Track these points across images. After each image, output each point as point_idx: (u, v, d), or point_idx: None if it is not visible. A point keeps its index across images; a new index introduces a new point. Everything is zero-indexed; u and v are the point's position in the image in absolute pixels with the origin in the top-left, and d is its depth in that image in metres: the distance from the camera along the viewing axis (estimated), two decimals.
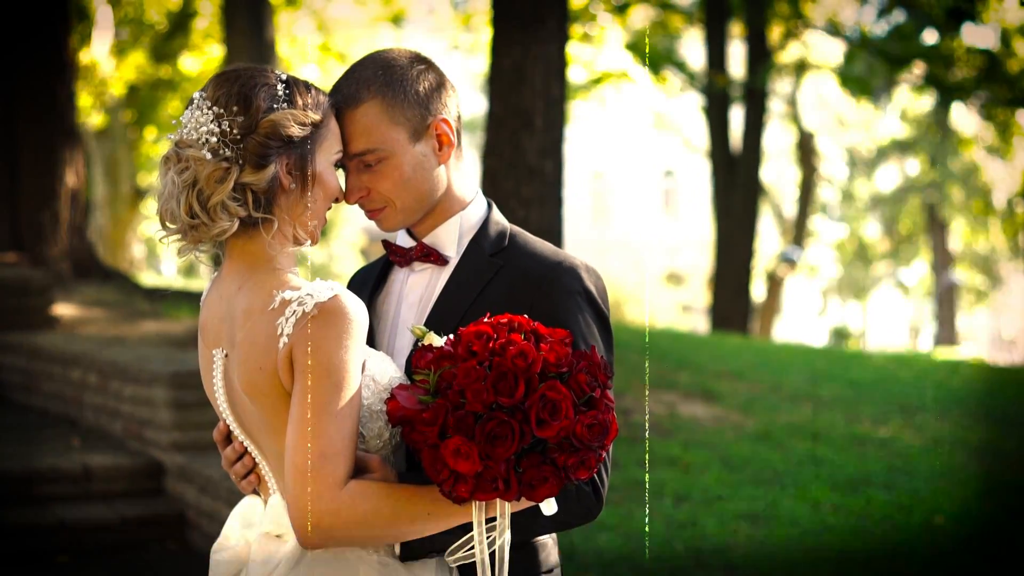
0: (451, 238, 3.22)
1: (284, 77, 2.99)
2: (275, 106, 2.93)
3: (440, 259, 3.21)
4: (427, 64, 3.21)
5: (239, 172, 2.89)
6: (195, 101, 2.94)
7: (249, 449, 3.06)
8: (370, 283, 3.32)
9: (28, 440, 9.73)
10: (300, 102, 2.97)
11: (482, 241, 3.21)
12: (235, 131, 2.89)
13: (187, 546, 8.63)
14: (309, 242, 3.02)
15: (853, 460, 10.46)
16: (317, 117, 2.99)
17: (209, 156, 2.88)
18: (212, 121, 2.89)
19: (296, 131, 2.94)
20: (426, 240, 3.23)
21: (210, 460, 8.63)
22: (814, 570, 8.01)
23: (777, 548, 8.31)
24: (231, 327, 2.96)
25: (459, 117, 3.25)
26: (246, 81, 2.94)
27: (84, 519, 8.55)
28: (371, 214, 3.19)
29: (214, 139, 2.89)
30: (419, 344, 2.93)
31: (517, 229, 3.28)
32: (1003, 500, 9.65)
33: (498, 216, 3.29)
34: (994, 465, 10.67)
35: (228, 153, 2.88)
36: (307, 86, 3.02)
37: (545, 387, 2.70)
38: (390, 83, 3.12)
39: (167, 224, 2.96)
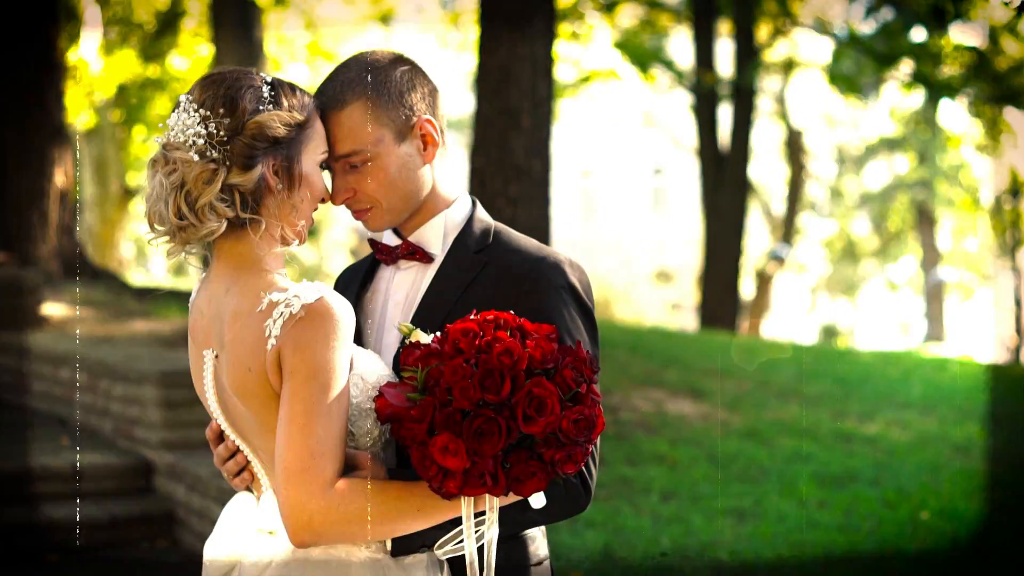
0: (436, 236, 3.24)
1: (269, 79, 3.01)
2: (261, 107, 2.95)
3: (426, 257, 3.23)
4: (410, 65, 3.24)
5: (226, 173, 2.91)
6: (181, 104, 2.96)
7: (241, 448, 3.08)
8: (357, 281, 3.34)
9: (18, 439, 9.74)
10: (286, 103, 2.99)
11: (467, 239, 3.23)
12: (222, 133, 2.91)
13: (177, 544, 8.65)
14: (296, 242, 3.04)
15: (839, 457, 10.51)
16: (302, 118, 3.01)
17: (196, 158, 2.90)
18: (199, 123, 2.91)
19: (282, 132, 2.96)
20: (411, 238, 3.25)
21: (199, 458, 8.65)
22: (800, 566, 8.05)
23: (763, 544, 8.35)
24: (220, 328, 2.98)
25: (443, 117, 3.27)
26: (232, 83, 2.96)
27: (74, 518, 8.57)
28: (357, 215, 3.21)
29: (201, 141, 2.90)
30: (406, 341, 2.95)
31: (501, 226, 3.30)
32: (989, 496, 9.69)
33: (482, 213, 3.31)
34: (980, 462, 10.72)
35: (215, 155, 2.90)
36: (292, 88, 3.04)
37: (531, 384, 2.73)
38: (374, 85, 3.15)
39: (155, 226, 2.98)
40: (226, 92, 2.95)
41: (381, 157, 3.14)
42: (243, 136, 2.92)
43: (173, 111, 2.99)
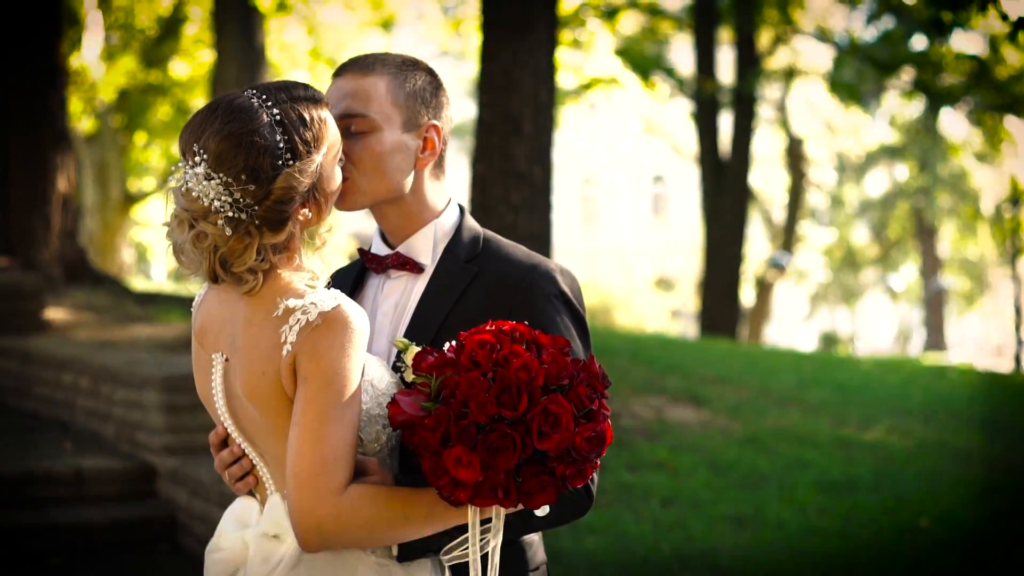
0: (426, 246, 3.25)
1: (278, 116, 2.91)
2: (280, 164, 2.88)
3: (416, 267, 3.24)
4: (437, 80, 3.28)
5: (260, 237, 2.89)
6: (197, 161, 2.87)
7: (247, 452, 3.08)
8: (346, 288, 3.29)
9: (21, 443, 9.77)
10: (301, 146, 2.91)
11: (456, 248, 3.24)
12: (248, 199, 2.86)
13: (178, 548, 8.67)
14: (325, 239, 3.05)
15: (839, 463, 10.53)
16: (321, 149, 2.95)
17: (229, 231, 2.87)
18: (223, 191, 2.86)
19: (307, 181, 2.92)
20: (400, 249, 3.26)
21: (201, 463, 8.67)
22: (799, 572, 8.07)
23: (763, 551, 8.37)
24: (232, 332, 2.98)
25: (446, 140, 3.29)
26: (247, 145, 2.86)
27: (76, 522, 8.58)
28: None
29: (228, 209, 2.86)
30: (401, 356, 2.97)
31: (490, 233, 3.32)
32: (988, 503, 9.72)
33: (471, 221, 3.32)
34: (980, 469, 10.74)
35: (244, 217, 2.87)
36: (301, 117, 2.94)
37: (547, 400, 2.73)
38: (403, 72, 3.19)
39: (188, 268, 2.96)
40: (245, 160, 2.86)
41: (382, 132, 3.15)
42: (269, 200, 2.89)
43: (184, 160, 2.91)
